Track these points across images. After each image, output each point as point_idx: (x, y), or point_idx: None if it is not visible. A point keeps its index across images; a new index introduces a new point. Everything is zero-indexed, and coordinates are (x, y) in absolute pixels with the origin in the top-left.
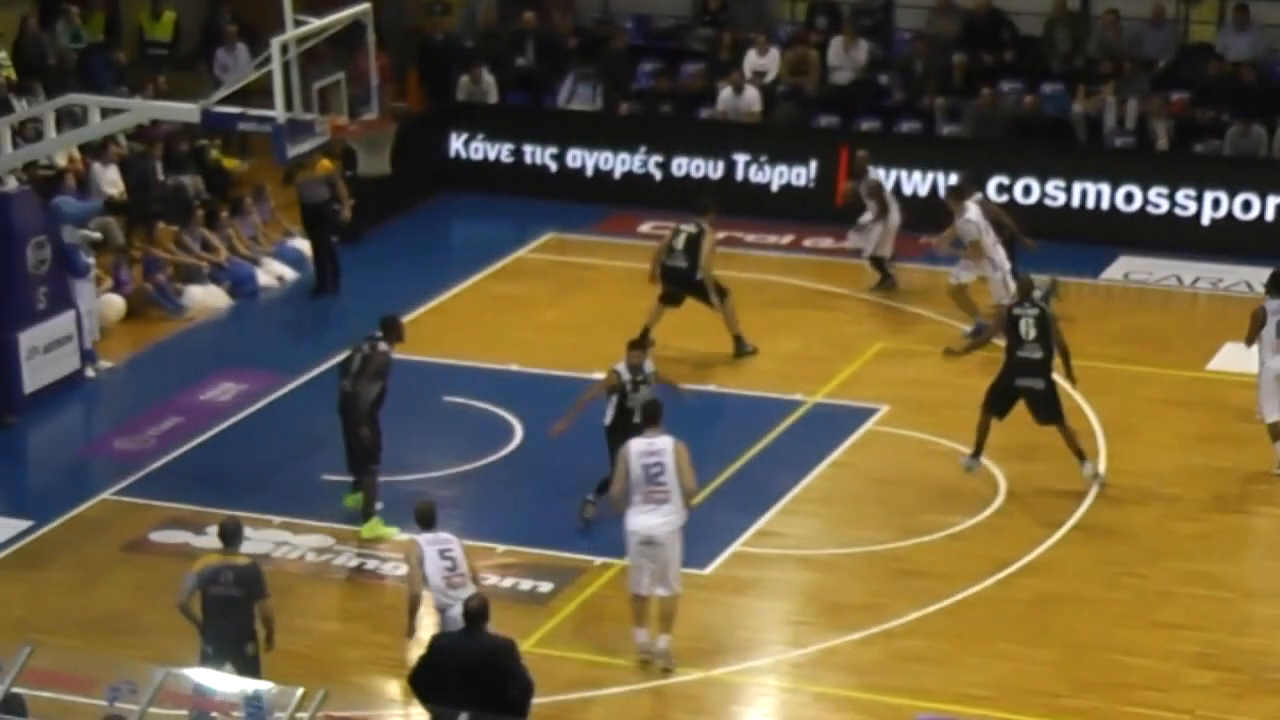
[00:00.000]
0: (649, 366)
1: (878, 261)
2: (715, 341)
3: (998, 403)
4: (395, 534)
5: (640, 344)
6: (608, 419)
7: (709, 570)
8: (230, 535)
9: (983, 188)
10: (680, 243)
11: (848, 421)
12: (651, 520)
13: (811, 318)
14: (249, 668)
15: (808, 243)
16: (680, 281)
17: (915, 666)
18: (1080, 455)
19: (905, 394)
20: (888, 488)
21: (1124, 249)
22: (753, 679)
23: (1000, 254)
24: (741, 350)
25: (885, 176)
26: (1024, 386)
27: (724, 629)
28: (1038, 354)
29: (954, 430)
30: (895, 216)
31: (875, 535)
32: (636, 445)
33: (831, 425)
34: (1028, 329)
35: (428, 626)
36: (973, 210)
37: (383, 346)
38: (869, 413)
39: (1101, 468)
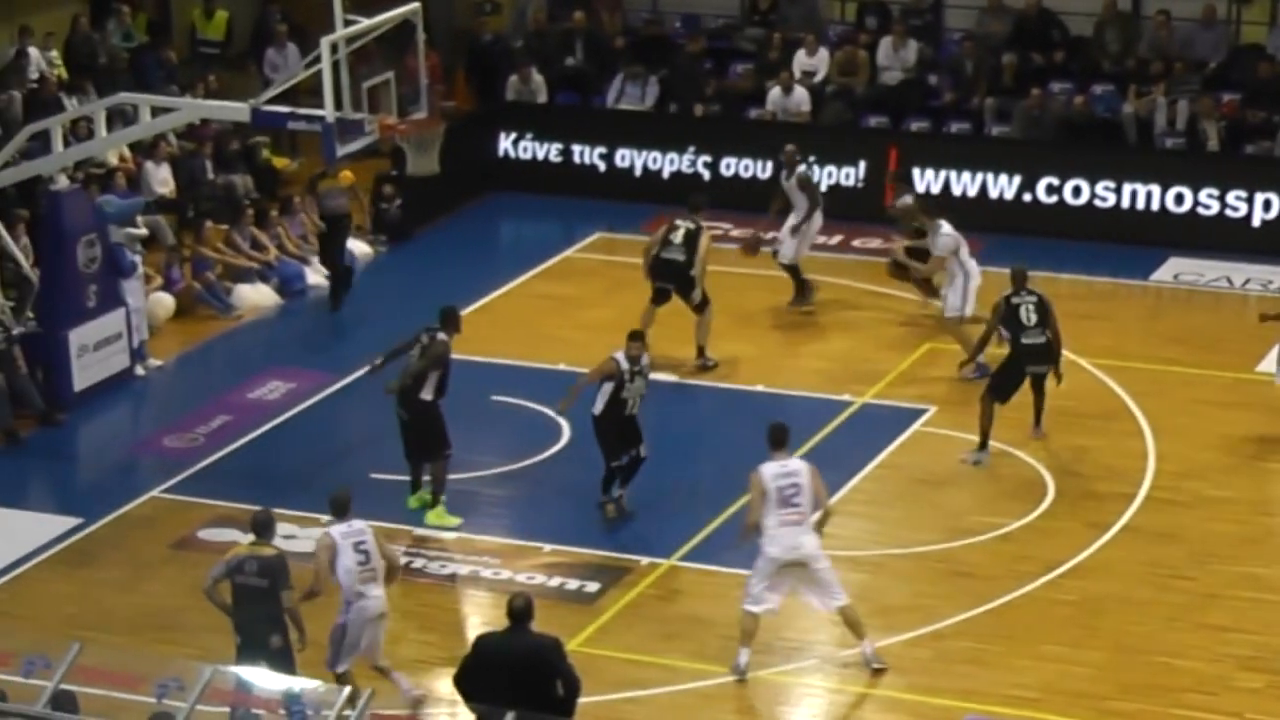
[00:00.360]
0: (646, 359)
1: (794, 270)
2: (761, 342)
3: (1003, 391)
4: (458, 522)
5: (641, 336)
6: (598, 408)
7: None
8: (261, 526)
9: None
10: (678, 237)
11: (896, 422)
12: (793, 542)
13: (860, 318)
14: (277, 660)
15: (856, 243)
16: (674, 274)
17: (963, 668)
18: (1038, 419)
19: (953, 395)
20: (936, 489)
21: (1174, 250)
22: (799, 680)
23: (974, 263)
24: (704, 363)
25: (935, 178)
26: (1032, 373)
27: (770, 630)
28: (1041, 339)
29: (1002, 431)
30: (819, 217)
31: (923, 536)
32: (769, 469)
33: (880, 426)
34: (1029, 315)
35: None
36: (946, 224)
37: (441, 336)
38: (917, 413)
39: (1150, 469)
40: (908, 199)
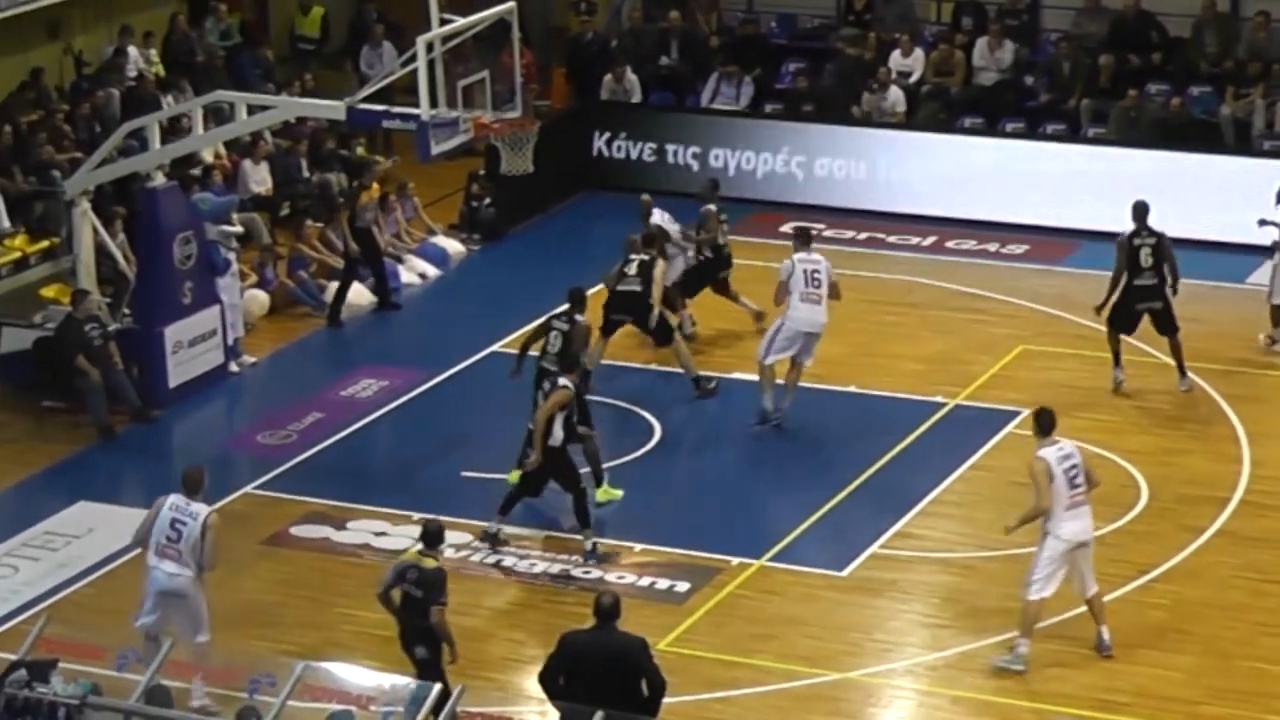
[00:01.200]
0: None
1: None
2: (853, 342)
3: (1123, 322)
4: (621, 494)
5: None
6: (557, 439)
7: (847, 572)
8: (429, 536)
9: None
10: (633, 269)
11: (988, 424)
12: (1081, 524)
13: (954, 319)
14: (422, 670)
15: (950, 244)
16: (633, 306)
17: (1054, 671)
18: (1181, 369)
19: (1046, 397)
20: (1027, 491)
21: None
22: (890, 681)
23: (802, 310)
24: (704, 389)
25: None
26: (1144, 309)
27: (861, 630)
28: (1153, 280)
29: (1096, 434)
30: (681, 263)
31: (1014, 539)
32: (1051, 453)
33: (972, 428)
34: (1146, 258)
35: None
36: (801, 254)
37: (579, 319)
38: (1010, 415)
39: (1245, 473)
40: (711, 207)
